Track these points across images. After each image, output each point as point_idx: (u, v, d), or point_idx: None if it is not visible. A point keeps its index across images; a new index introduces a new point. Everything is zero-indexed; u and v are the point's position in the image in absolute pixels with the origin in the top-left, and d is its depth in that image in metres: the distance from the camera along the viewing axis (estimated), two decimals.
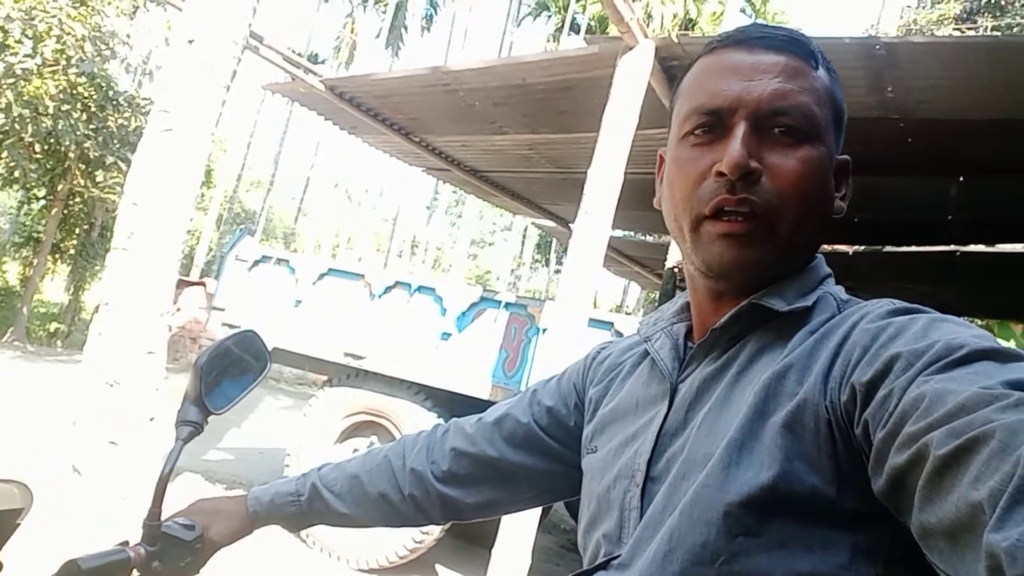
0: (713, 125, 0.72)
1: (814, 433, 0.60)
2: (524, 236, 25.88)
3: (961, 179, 5.14)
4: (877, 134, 4.66)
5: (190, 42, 4.77)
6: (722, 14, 20.05)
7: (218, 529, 0.98)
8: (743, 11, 23.15)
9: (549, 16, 25.87)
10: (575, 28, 23.23)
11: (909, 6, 15.95)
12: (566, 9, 24.15)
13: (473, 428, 1.01)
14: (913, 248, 6.81)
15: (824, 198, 0.73)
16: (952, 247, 6.51)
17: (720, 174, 0.69)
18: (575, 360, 1.01)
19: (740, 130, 0.70)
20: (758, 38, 0.74)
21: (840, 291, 0.74)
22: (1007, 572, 0.37)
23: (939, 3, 14.20)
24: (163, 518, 0.92)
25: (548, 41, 24.89)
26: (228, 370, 1.00)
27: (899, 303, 0.66)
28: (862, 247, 7.00)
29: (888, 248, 6.88)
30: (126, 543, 0.88)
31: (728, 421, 0.66)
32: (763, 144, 0.70)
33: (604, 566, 0.73)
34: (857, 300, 0.72)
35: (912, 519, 0.48)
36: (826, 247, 7.32)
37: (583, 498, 0.83)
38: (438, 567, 5.44)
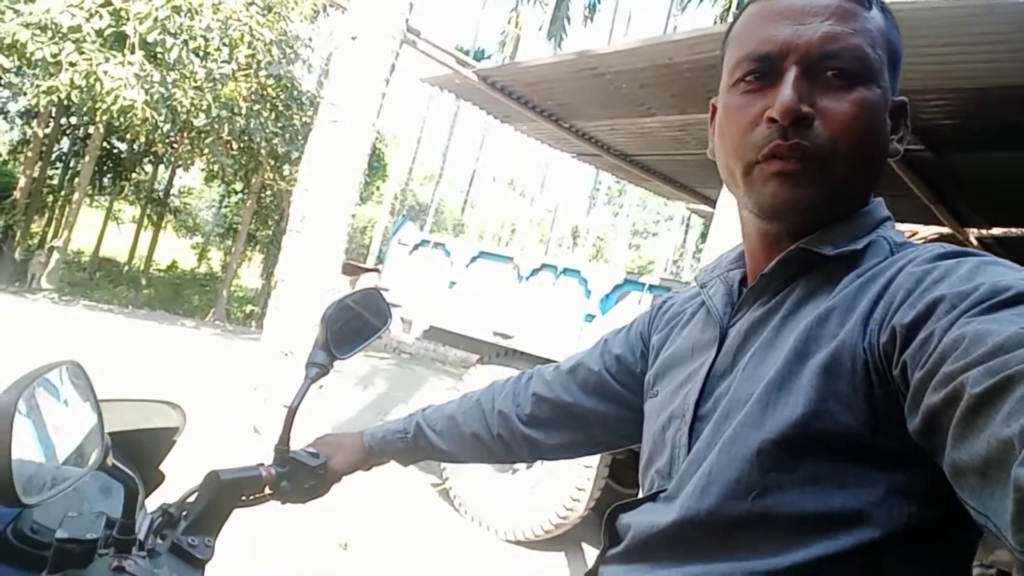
0: (764, 71, 0.71)
1: (851, 374, 0.60)
2: (687, 225, 25.33)
3: None
4: None
5: (353, 39, 5.15)
6: None
7: (339, 459, 1.09)
8: None
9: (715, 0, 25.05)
10: (742, 10, 22.29)
11: None
12: None
13: (551, 376, 1.07)
14: None
15: (879, 141, 0.72)
16: None
17: (772, 120, 0.69)
18: (644, 311, 1.05)
19: (791, 75, 0.69)
20: None
21: (897, 235, 0.73)
22: None
23: None
24: (292, 447, 1.03)
25: (715, 24, 24.08)
26: (352, 322, 1.10)
27: (949, 247, 0.64)
28: None
29: None
30: (261, 464, 0.99)
31: (771, 363, 0.67)
32: (815, 88, 0.69)
33: (652, 498, 0.76)
34: (912, 244, 0.71)
35: (945, 457, 0.48)
36: (1013, 230, 6.67)
37: (644, 439, 0.86)
38: (584, 545, 5.54)
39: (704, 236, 25.68)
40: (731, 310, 0.80)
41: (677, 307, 0.96)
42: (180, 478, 1.05)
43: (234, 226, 20.55)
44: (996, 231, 6.84)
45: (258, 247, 21.43)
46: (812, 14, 0.70)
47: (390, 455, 1.14)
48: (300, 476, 1.03)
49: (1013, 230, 6.67)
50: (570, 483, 4.97)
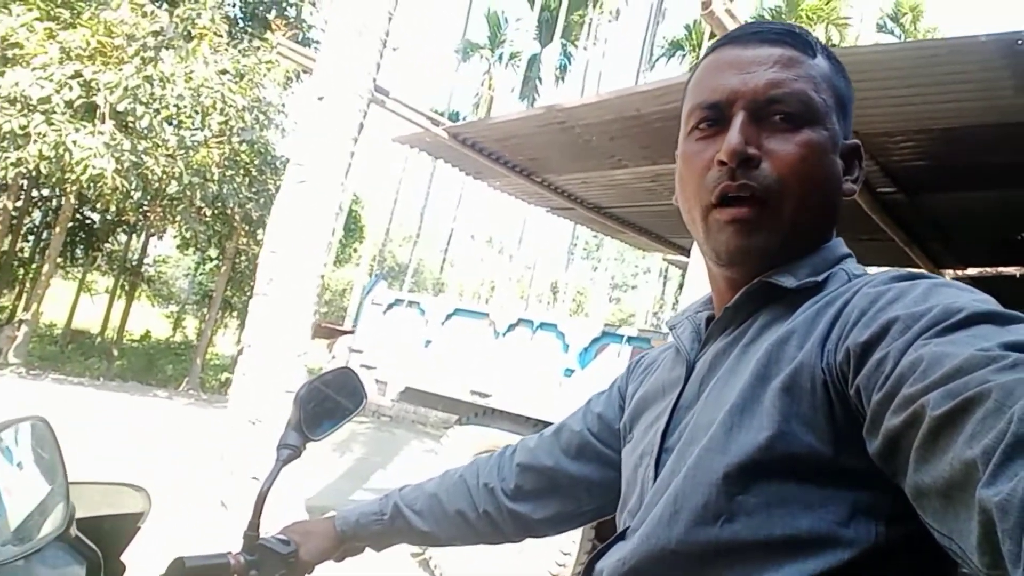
0: (715, 119, 0.75)
1: (810, 395, 0.61)
2: (665, 277, 25.44)
3: None
4: None
5: (320, 99, 5.12)
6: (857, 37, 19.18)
7: (309, 547, 1.04)
8: (890, 31, 22.02)
9: (684, 55, 25.71)
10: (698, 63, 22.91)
11: None
12: (700, 46, 23.92)
13: (535, 443, 1.05)
14: None
15: (828, 179, 0.74)
16: None
17: (721, 163, 0.72)
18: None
19: (738, 120, 0.73)
20: (753, 33, 0.77)
21: (857, 269, 0.75)
22: (998, 526, 0.37)
23: None
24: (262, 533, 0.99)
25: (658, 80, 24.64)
26: (325, 402, 1.09)
27: (904, 270, 0.66)
28: None
29: None
30: (229, 552, 0.95)
31: (733, 388, 0.68)
32: (763, 131, 0.73)
33: (621, 536, 0.75)
34: (871, 274, 0.72)
35: (907, 480, 0.49)
36: (987, 270, 6.68)
37: (622, 485, 0.85)
38: None
39: (682, 287, 25.82)
40: (698, 345, 0.81)
41: (651, 358, 0.98)
42: (140, 559, 1.02)
43: (209, 293, 20.36)
44: (971, 271, 6.86)
45: (234, 313, 21.18)
46: (758, 63, 0.74)
47: (365, 539, 1.09)
48: (270, 565, 0.98)
49: (988, 270, 6.68)
50: (555, 547, 4.77)
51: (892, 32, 23.12)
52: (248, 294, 19.15)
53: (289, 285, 5.11)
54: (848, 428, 0.58)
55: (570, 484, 1.00)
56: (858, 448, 0.56)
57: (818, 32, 20.70)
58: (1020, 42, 3.59)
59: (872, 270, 0.75)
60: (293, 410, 1.03)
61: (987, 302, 0.55)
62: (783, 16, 21.02)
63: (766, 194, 0.71)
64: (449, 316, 5.96)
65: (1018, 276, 6.29)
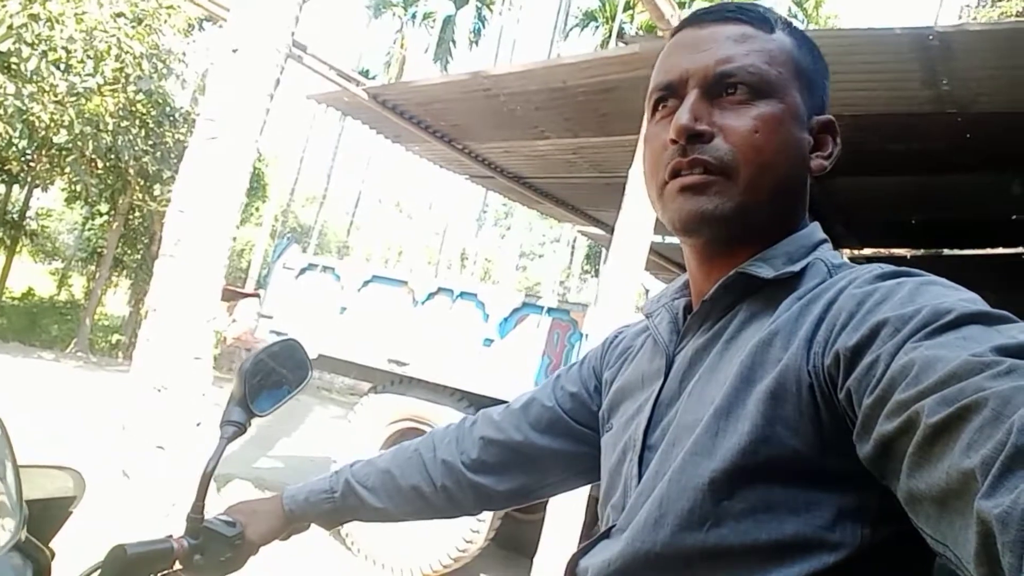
0: (669, 98, 0.76)
1: (796, 397, 0.61)
2: (573, 247, 25.74)
3: None
4: (933, 130, 4.50)
5: (234, 51, 4.85)
6: None
7: (256, 528, 1.01)
8: (794, 15, 22.77)
9: (597, 27, 25.77)
10: (623, 38, 23.12)
11: (968, 5, 15.41)
12: (613, 19, 24.03)
13: (500, 416, 1.03)
14: (975, 251, 6.52)
15: (789, 152, 0.73)
16: (1018, 249, 6.20)
17: (673, 141, 0.72)
18: (595, 347, 1.03)
19: (689, 98, 0.73)
20: (707, 14, 0.77)
21: (834, 256, 0.75)
22: (998, 538, 0.37)
23: (1000, 1, 13.67)
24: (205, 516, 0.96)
25: (585, 53, 24.79)
26: (271, 375, 1.05)
27: (888, 267, 0.66)
28: (920, 251, 6.74)
29: (948, 251, 6.61)
30: (171, 536, 0.92)
31: (716, 388, 0.67)
32: (716, 107, 0.72)
33: (606, 534, 0.74)
34: (850, 265, 0.72)
35: (899, 484, 0.49)
36: (882, 251, 7.09)
37: (602, 475, 0.85)
38: None
39: (588, 258, 26.22)
40: (677, 337, 0.81)
41: (627, 340, 0.96)
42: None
43: (98, 250, 19.20)
44: (867, 251, 7.25)
45: (125, 272, 20.10)
46: (711, 41, 0.74)
47: (313, 518, 1.06)
48: (215, 548, 0.95)
49: (882, 251, 7.09)
50: (465, 523, 4.81)
51: (796, 16, 23.89)
52: (141, 252, 18.27)
53: (198, 247, 4.87)
54: (834, 432, 0.58)
55: (537, 458, 0.99)
56: (843, 451, 0.57)
57: None
58: (931, 37, 3.77)
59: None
60: (236, 384, 0.99)
61: (974, 301, 0.56)
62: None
63: (720, 166, 0.71)
64: (366, 283, 5.85)
65: (908, 257, 6.71)
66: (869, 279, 0.64)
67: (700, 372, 0.72)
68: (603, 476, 0.84)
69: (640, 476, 0.73)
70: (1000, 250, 6.32)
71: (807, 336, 0.63)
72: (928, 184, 5.16)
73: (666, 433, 0.71)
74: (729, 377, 0.66)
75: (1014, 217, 5.57)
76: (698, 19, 0.77)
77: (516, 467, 1.01)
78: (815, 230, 0.77)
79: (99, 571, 0.84)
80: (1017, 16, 12.34)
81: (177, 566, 0.92)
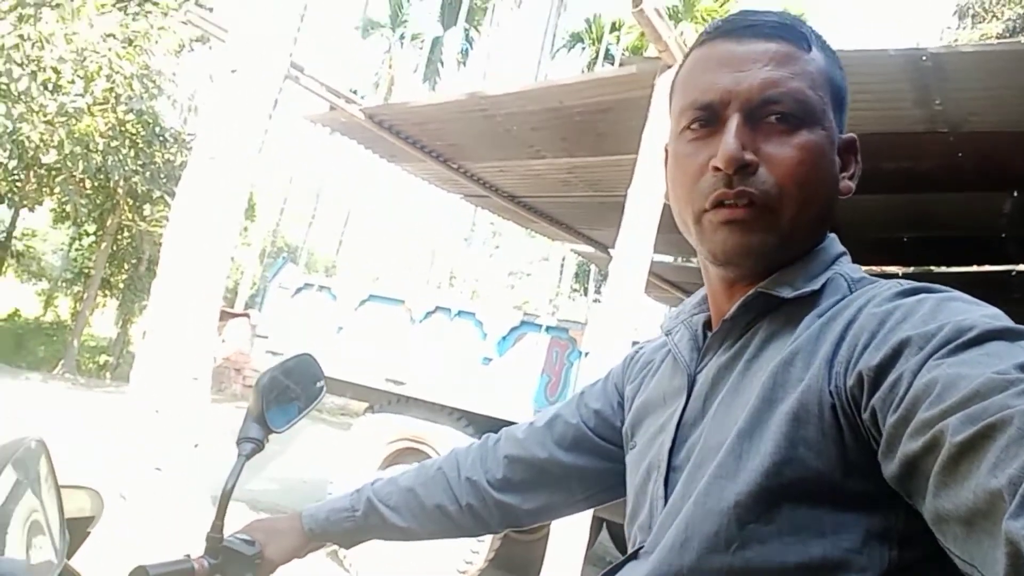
0: (707, 119, 0.73)
1: (818, 419, 0.60)
2: (562, 265, 25.81)
3: (1015, 194, 4.97)
4: (925, 149, 4.54)
5: (233, 71, 4.86)
6: None
7: (275, 547, 1.00)
8: None
9: (583, 48, 26.02)
10: (609, 59, 23.33)
11: (949, 27, 15.70)
12: (600, 40, 24.29)
13: (524, 433, 1.02)
14: (966, 268, 6.59)
15: (827, 181, 0.73)
16: (1007, 266, 6.28)
17: (717, 169, 0.70)
18: (617, 363, 1.03)
19: (733, 123, 0.70)
20: (746, 27, 0.74)
21: (854, 270, 0.74)
22: None
23: (980, 23, 13.95)
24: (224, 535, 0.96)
25: (582, 73, 25.00)
26: (288, 391, 1.05)
27: (907, 283, 0.65)
28: (911, 268, 6.81)
29: (939, 269, 6.69)
30: (190, 555, 0.92)
31: (739, 409, 0.67)
32: (758, 134, 0.70)
33: (635, 555, 0.74)
34: (870, 279, 0.72)
35: (925, 504, 0.49)
36: (875, 268, 7.15)
37: (628, 493, 0.84)
38: None
39: (578, 276, 26.22)
40: (697, 355, 0.80)
41: (647, 356, 0.96)
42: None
43: (85, 270, 19.05)
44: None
45: (112, 293, 19.92)
46: (752, 60, 0.72)
47: (333, 537, 1.06)
48: (235, 568, 0.95)
49: (874, 268, 7.15)
50: (465, 544, 4.79)
51: None
52: (129, 272, 18.13)
53: (196, 267, 4.86)
54: (858, 452, 0.58)
55: (563, 475, 0.99)
56: (868, 472, 0.57)
57: None
58: (924, 58, 3.84)
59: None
60: (253, 400, 1.00)
61: (996, 317, 0.56)
62: (680, 15, 21.60)
63: (765, 199, 0.69)
64: (363, 302, 5.85)
65: (900, 274, 6.77)
66: (889, 296, 0.64)
67: (723, 393, 0.72)
68: (629, 495, 0.84)
69: (667, 497, 0.72)
70: (989, 267, 6.39)
71: (828, 356, 0.62)
72: (919, 202, 5.22)
73: (691, 454, 0.71)
74: (751, 398, 0.66)
75: (1004, 235, 5.65)
76: (735, 32, 0.74)
77: (542, 485, 1.00)
78: (833, 243, 0.77)
79: None
80: (998, 37, 12.58)
81: None
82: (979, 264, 6.48)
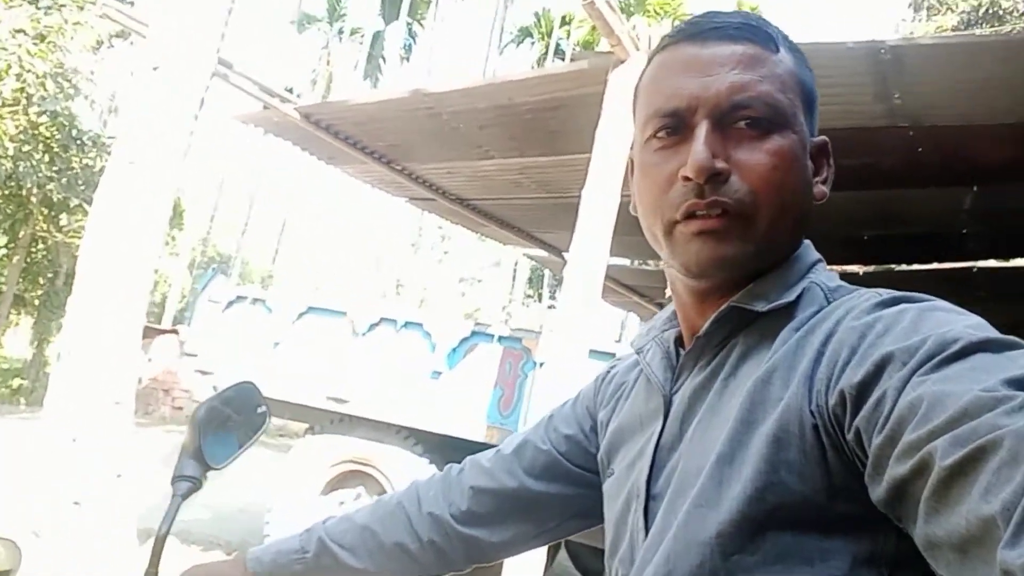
0: (674, 127, 0.70)
1: (800, 440, 0.58)
2: (515, 271, 25.61)
3: (975, 188, 4.96)
4: (885, 144, 4.51)
5: (155, 69, 4.51)
6: None
7: None
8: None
9: (532, 43, 25.97)
10: (560, 55, 23.34)
11: (904, 19, 16.10)
12: (549, 35, 24.27)
13: (490, 462, 0.97)
14: (927, 266, 6.62)
15: (801, 186, 0.71)
16: (968, 263, 6.31)
17: (687, 178, 0.67)
18: (587, 383, 0.99)
19: (702, 130, 0.68)
20: (711, 29, 0.71)
21: (830, 278, 0.71)
22: None
23: (935, 15, 14.31)
24: None
25: (532, 69, 24.94)
26: (227, 423, 0.99)
27: (886, 293, 0.63)
28: (872, 267, 6.81)
29: (900, 267, 6.70)
30: None
31: (717, 431, 0.65)
32: (728, 141, 0.68)
33: None
34: (847, 288, 0.69)
35: (916, 530, 0.47)
36: (835, 268, 7.15)
37: (606, 524, 0.81)
38: None
39: (531, 281, 26.07)
40: (672, 375, 0.77)
41: (620, 377, 0.92)
42: None
43: None
44: None
45: (27, 310, 18.84)
46: (718, 64, 0.69)
47: None
48: None
49: (835, 267, 7.16)
50: None
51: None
52: (45, 288, 17.16)
53: (117, 281, 4.47)
54: (843, 474, 0.56)
55: (533, 504, 0.94)
56: (855, 494, 0.54)
57: (664, 28, 21.55)
58: (883, 51, 3.75)
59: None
60: (189, 434, 0.94)
61: (980, 327, 0.54)
62: (631, 9, 21.67)
63: (739, 207, 0.66)
64: (301, 315, 5.52)
65: (861, 274, 6.78)
66: (868, 308, 0.61)
67: (700, 414, 0.69)
68: (608, 526, 0.80)
69: (647, 528, 0.69)
70: (949, 264, 6.43)
71: (807, 373, 0.60)
72: (880, 199, 5.19)
73: (671, 481, 0.69)
74: (730, 420, 0.63)
75: (964, 231, 5.66)
76: (699, 35, 0.71)
77: (511, 516, 0.95)
78: (808, 250, 0.74)
79: None
80: (954, 29, 12.90)
81: None
82: (940, 261, 6.51)
